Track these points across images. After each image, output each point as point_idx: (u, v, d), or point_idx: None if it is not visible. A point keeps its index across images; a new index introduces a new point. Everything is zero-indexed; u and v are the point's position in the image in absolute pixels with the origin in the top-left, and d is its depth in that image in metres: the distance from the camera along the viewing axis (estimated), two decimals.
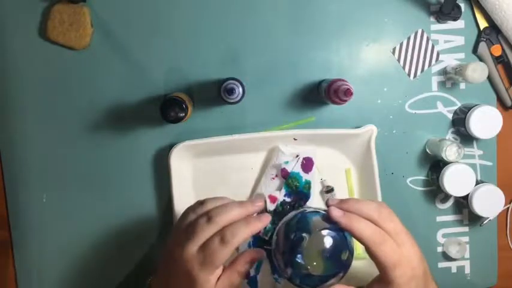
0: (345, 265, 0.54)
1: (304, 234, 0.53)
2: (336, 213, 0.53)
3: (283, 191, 0.72)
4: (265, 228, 0.71)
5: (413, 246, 0.54)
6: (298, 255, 0.53)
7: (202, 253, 0.52)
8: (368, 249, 0.53)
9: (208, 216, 0.53)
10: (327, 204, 0.56)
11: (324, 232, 0.53)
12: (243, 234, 0.52)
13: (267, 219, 0.55)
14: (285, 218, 0.57)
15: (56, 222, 0.74)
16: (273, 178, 0.73)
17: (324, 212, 0.56)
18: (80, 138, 0.73)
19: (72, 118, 0.72)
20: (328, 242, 0.53)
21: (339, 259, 0.53)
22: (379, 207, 0.54)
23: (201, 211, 0.56)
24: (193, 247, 0.52)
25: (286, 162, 0.72)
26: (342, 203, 0.55)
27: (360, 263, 0.69)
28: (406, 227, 0.53)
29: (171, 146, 0.71)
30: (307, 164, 0.72)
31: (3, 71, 0.71)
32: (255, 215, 0.56)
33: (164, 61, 0.72)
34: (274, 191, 0.72)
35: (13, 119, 0.72)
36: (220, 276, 0.54)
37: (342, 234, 0.54)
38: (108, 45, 0.71)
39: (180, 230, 0.55)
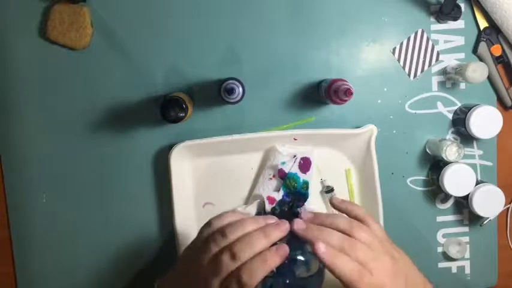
0: (319, 272, 0.55)
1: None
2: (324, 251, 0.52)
3: (282, 192, 0.72)
4: None
5: (384, 264, 0.53)
6: None
7: None
8: (345, 285, 0.52)
9: (232, 252, 0.52)
10: (298, 217, 0.56)
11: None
12: (260, 274, 0.51)
13: (284, 252, 0.52)
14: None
15: (56, 222, 0.74)
16: (271, 178, 0.73)
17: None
18: (79, 138, 0.73)
19: (72, 118, 0.72)
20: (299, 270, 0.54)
21: (311, 276, 0.54)
22: (349, 220, 0.55)
23: (224, 243, 0.53)
24: (216, 284, 0.52)
25: (283, 163, 0.72)
26: (314, 218, 0.55)
27: None
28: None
29: (171, 146, 0.71)
30: (305, 164, 0.72)
31: (3, 71, 0.71)
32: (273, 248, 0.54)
33: (164, 61, 0.72)
34: (272, 192, 0.72)
35: (13, 119, 0.72)
36: None
37: (304, 250, 0.54)
38: (108, 45, 0.71)
39: (204, 263, 0.53)
